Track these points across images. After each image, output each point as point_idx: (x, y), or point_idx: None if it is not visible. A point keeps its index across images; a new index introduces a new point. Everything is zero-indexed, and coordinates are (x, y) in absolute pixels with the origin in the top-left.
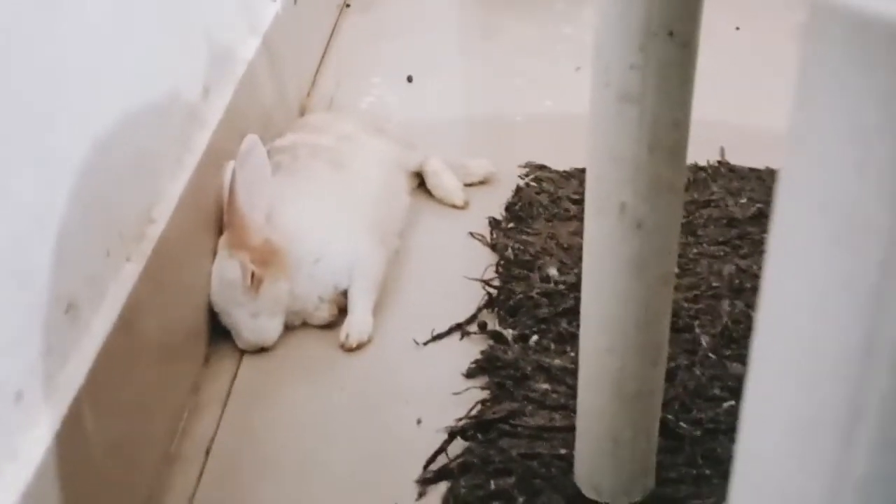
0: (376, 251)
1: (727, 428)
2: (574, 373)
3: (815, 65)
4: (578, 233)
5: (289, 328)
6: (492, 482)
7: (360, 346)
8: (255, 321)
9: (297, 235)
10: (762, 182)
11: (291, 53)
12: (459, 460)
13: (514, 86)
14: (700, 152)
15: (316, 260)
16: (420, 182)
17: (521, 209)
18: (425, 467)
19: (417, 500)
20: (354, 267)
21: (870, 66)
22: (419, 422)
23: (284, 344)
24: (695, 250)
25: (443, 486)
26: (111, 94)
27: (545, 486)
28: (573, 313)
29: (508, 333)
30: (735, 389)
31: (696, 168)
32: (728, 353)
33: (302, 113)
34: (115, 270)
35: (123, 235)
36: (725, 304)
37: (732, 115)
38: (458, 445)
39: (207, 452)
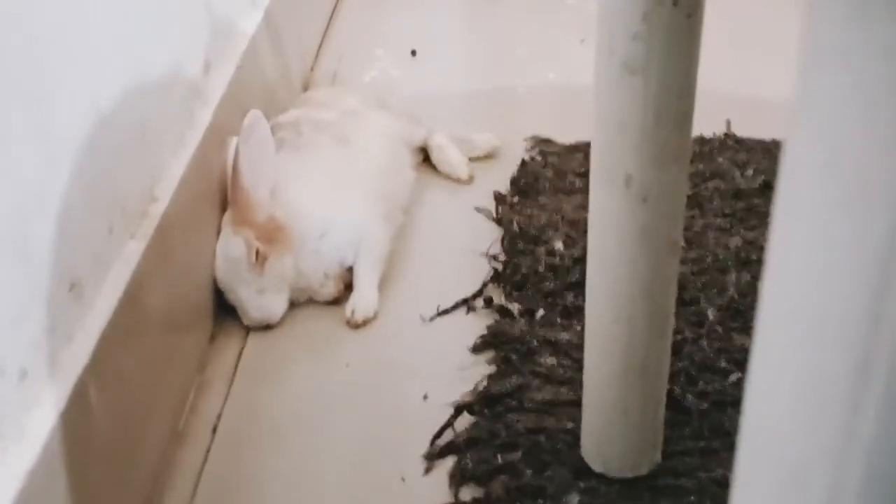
0: (381, 227)
1: (734, 401)
2: (580, 347)
3: (818, 24)
4: (584, 206)
5: (294, 305)
6: (499, 456)
7: (365, 322)
8: (260, 298)
9: (302, 212)
10: (768, 154)
11: (294, 27)
12: (466, 435)
13: (518, 58)
14: (706, 124)
15: (321, 236)
16: (424, 157)
17: (526, 183)
18: (432, 442)
19: (424, 475)
20: (359, 243)
21: (870, 21)
22: (425, 397)
23: (290, 321)
24: (701, 223)
25: (450, 461)
26: (112, 69)
27: (552, 460)
28: (579, 287)
29: (514, 308)
30: (742, 362)
31: (702, 140)
32: (735, 325)
33: (305, 88)
34: (119, 248)
35: (126, 213)
36: (732, 277)
37: (738, 87)
38: (465, 420)
39: (214, 429)
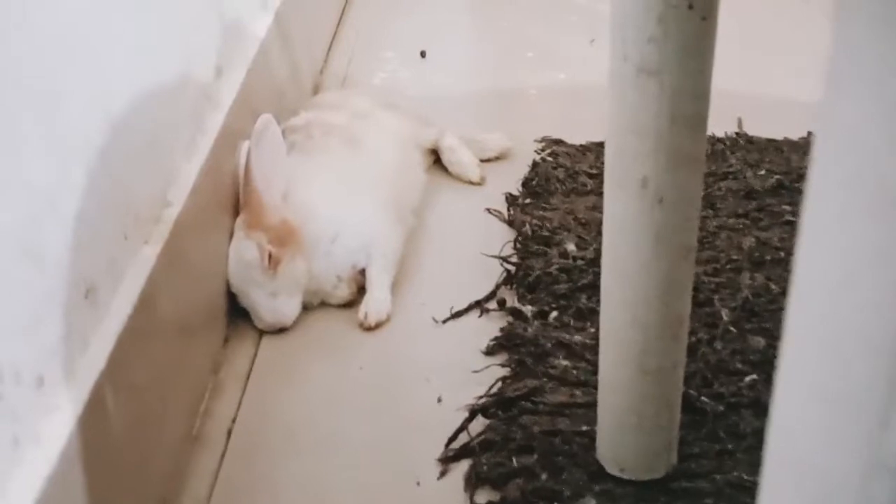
0: (393, 229)
1: (749, 402)
2: (594, 349)
3: (845, 36)
4: (596, 207)
5: (307, 308)
6: (514, 459)
7: (378, 325)
8: (273, 301)
9: (314, 214)
10: (781, 153)
11: (304, 30)
12: (481, 438)
13: (528, 59)
14: (718, 124)
15: (333, 239)
16: (436, 159)
17: (537, 184)
18: (447, 445)
19: (439, 478)
20: (372, 245)
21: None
22: (440, 400)
23: (303, 324)
24: (714, 223)
25: (465, 464)
26: (124, 75)
27: (567, 462)
28: (592, 289)
29: (527, 310)
30: (756, 363)
31: (714, 140)
32: (749, 326)
33: (315, 90)
34: (133, 254)
35: (140, 218)
36: (746, 277)
37: (750, 86)
38: (479, 423)
39: (229, 433)
